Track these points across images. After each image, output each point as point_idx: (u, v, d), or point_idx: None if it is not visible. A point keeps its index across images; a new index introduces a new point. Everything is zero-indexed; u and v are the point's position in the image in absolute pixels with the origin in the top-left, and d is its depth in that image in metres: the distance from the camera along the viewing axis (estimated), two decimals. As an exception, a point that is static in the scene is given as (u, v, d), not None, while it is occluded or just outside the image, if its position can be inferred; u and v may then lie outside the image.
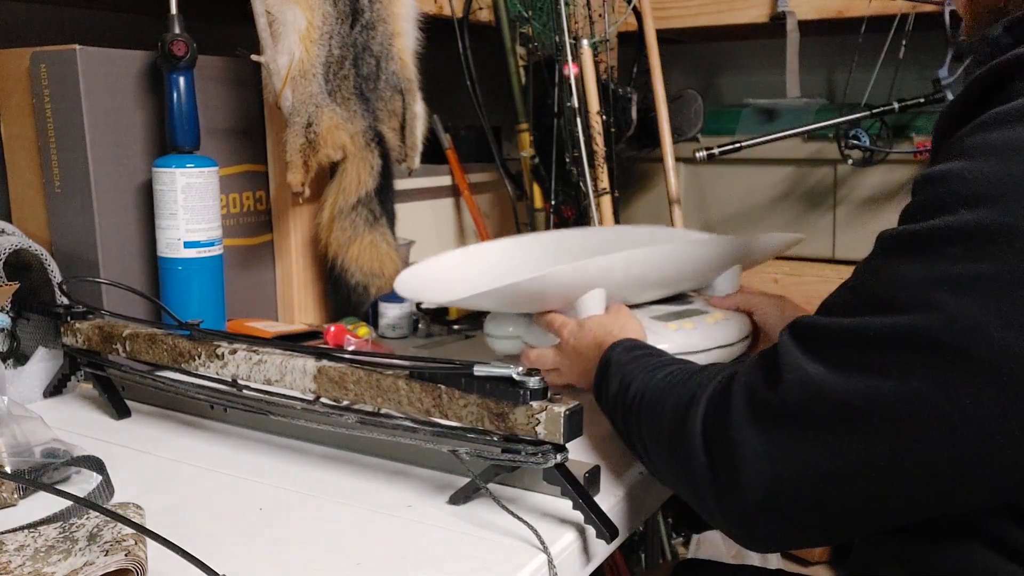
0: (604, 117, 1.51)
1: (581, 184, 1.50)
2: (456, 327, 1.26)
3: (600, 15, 1.59)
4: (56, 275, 0.97)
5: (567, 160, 1.50)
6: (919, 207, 0.56)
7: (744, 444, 0.58)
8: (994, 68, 0.56)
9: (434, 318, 1.26)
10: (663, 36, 1.61)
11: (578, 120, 1.47)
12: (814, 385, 0.55)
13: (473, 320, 1.28)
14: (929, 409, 0.52)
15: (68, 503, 0.63)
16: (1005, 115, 0.53)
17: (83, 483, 0.74)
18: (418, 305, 1.28)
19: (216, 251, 1.05)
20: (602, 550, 0.68)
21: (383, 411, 0.73)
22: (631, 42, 1.63)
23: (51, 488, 0.59)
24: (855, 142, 1.48)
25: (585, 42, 1.49)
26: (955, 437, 0.52)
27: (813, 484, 0.56)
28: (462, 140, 1.63)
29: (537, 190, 1.55)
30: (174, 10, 1.01)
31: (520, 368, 0.65)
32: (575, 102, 1.47)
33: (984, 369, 0.50)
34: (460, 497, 0.70)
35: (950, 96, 1.40)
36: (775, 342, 0.61)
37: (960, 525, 0.59)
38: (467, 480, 0.70)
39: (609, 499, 0.72)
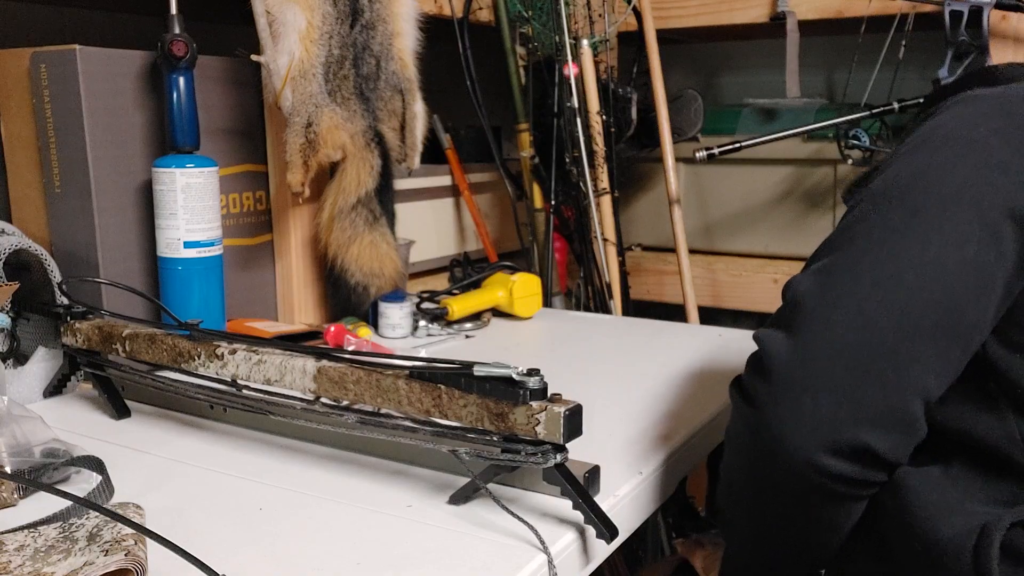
0: (604, 117, 1.51)
1: (581, 184, 1.50)
2: (456, 327, 1.26)
3: (600, 15, 1.59)
4: (56, 275, 0.97)
5: (567, 160, 1.50)
6: None
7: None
8: None
9: (434, 318, 1.26)
10: (663, 36, 1.61)
11: (578, 120, 1.47)
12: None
13: (473, 320, 1.28)
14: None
15: (68, 503, 0.63)
16: None
17: (83, 483, 0.74)
18: (418, 305, 1.28)
19: (216, 251, 1.05)
20: (602, 550, 0.68)
21: (383, 411, 0.73)
22: (631, 42, 1.64)
23: (51, 488, 0.59)
24: (855, 142, 1.48)
25: (585, 42, 1.49)
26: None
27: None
28: (462, 140, 1.63)
29: (537, 190, 1.56)
30: (174, 10, 1.01)
31: (520, 368, 0.65)
32: (575, 102, 1.47)
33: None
34: (460, 497, 0.70)
35: (950, 96, 1.39)
36: None
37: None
38: (467, 480, 0.70)
39: (609, 499, 0.72)
